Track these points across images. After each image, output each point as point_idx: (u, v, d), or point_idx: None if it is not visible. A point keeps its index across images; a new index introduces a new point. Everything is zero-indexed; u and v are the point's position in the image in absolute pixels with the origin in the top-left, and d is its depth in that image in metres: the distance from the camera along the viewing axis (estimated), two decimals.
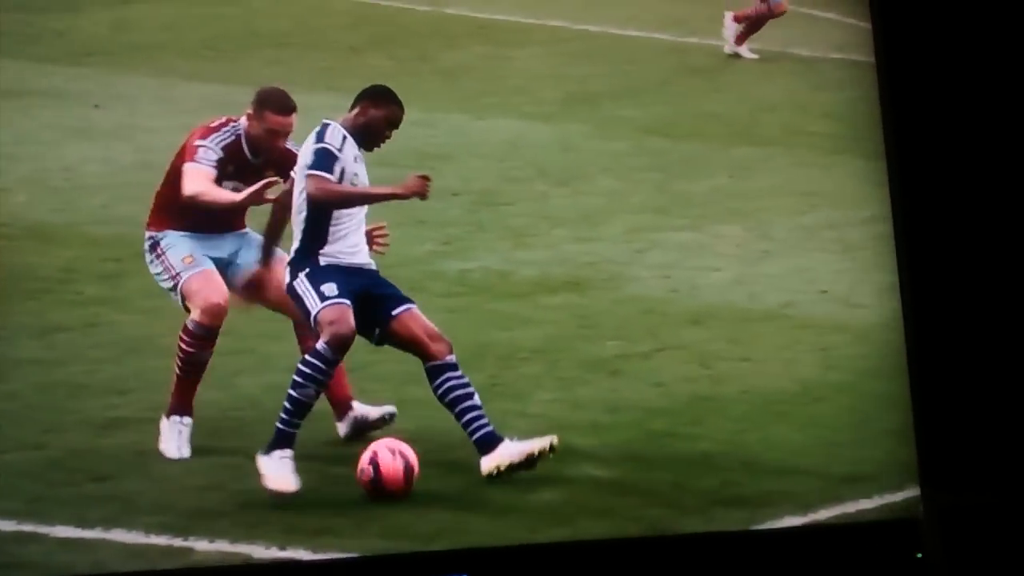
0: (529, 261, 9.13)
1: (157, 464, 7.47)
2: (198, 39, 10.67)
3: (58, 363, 8.19)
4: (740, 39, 11.67)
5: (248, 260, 7.57)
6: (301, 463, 7.33)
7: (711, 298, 8.99)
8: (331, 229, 7.23)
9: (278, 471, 7.16)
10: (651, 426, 7.85)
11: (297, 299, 7.25)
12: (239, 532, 7.06)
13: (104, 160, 10.09)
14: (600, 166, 10.19)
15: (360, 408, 7.66)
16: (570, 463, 7.43)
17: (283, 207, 7.37)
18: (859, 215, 9.94)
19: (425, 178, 7.18)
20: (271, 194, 7.40)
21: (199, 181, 7.38)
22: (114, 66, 10.27)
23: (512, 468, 7.27)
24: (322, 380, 7.18)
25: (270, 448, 7.17)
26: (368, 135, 7.28)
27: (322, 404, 7.65)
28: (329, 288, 7.17)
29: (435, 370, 7.29)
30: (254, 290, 7.53)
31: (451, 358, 7.30)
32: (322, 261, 7.24)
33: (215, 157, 7.43)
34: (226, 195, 7.41)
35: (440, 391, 7.30)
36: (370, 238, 7.40)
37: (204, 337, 7.41)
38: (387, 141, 7.30)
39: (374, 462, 7.24)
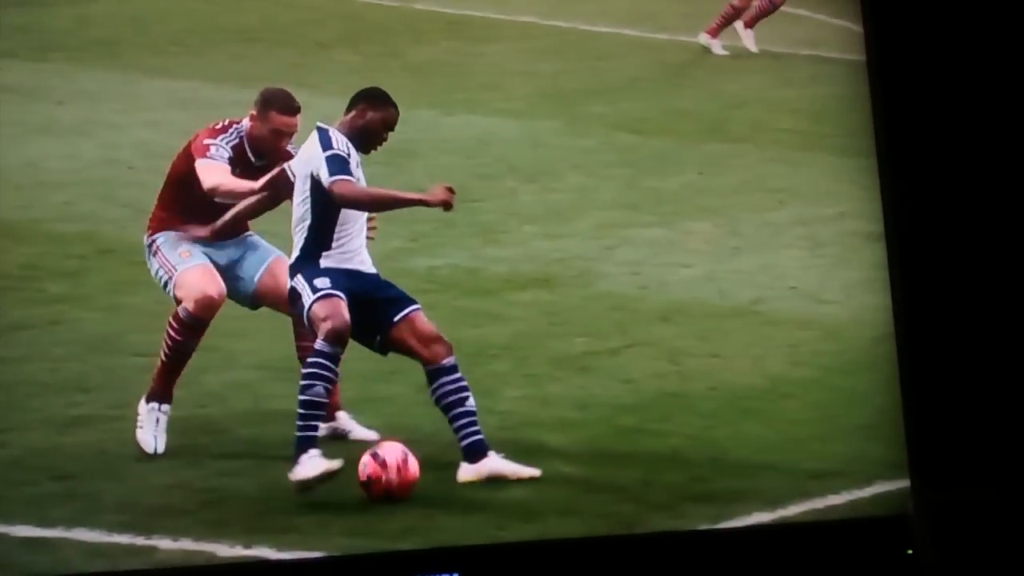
0: (498, 258, 9.11)
1: (120, 462, 7.41)
2: (163, 34, 10.63)
3: (20, 361, 8.13)
4: (714, 31, 11.65)
5: (252, 268, 7.55)
6: (263, 461, 7.34)
7: (680, 294, 8.98)
8: (334, 235, 7.22)
9: (316, 467, 7.10)
10: (620, 422, 7.83)
11: (296, 299, 7.22)
12: (203, 531, 7.02)
13: (67, 156, 10.02)
14: (570, 162, 10.17)
15: (345, 421, 7.65)
16: (539, 460, 7.40)
17: (273, 196, 7.34)
18: (828, 212, 9.95)
19: (451, 190, 7.17)
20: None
21: (217, 173, 7.37)
22: (77, 62, 10.23)
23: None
24: (329, 376, 7.13)
25: (297, 457, 7.10)
26: (366, 138, 7.26)
27: (287, 404, 7.64)
28: (321, 281, 7.14)
29: (430, 374, 7.27)
30: (265, 298, 7.54)
31: (448, 361, 7.26)
32: (323, 264, 7.22)
33: (226, 155, 7.42)
34: (245, 184, 7.39)
35: (434, 395, 7.29)
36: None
37: (192, 328, 7.38)
38: (383, 144, 7.28)
39: (396, 465, 7.20)
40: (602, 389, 8.09)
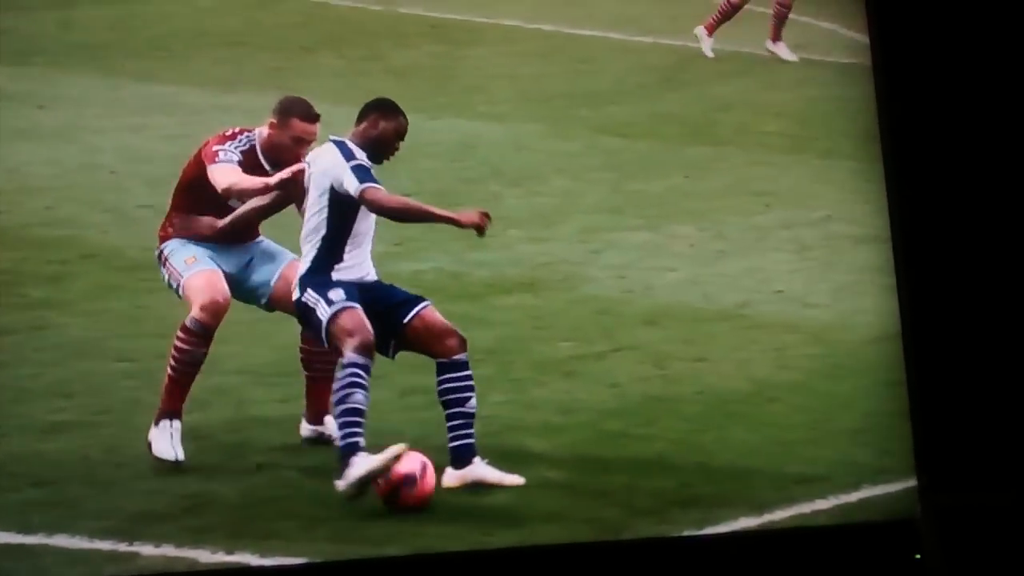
0: (482, 262, 9.08)
1: (102, 468, 7.37)
2: (145, 39, 10.61)
3: (1, 366, 8.07)
4: (774, 35, 11.59)
5: (266, 273, 7.50)
6: (246, 467, 7.30)
7: (666, 298, 8.96)
8: (346, 248, 7.19)
9: (368, 463, 7.03)
10: (605, 427, 7.80)
11: (307, 312, 7.16)
12: (185, 537, 6.97)
13: (49, 161, 9.99)
14: (554, 166, 10.15)
15: (332, 428, 7.52)
16: (523, 465, 7.37)
17: (285, 196, 7.30)
18: (814, 215, 9.95)
19: (486, 215, 7.17)
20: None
21: (229, 174, 7.34)
22: (59, 66, 10.20)
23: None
24: (366, 384, 7.07)
25: (344, 466, 7.03)
26: (380, 148, 7.24)
27: (269, 410, 7.62)
28: (335, 293, 7.11)
29: (440, 367, 7.23)
30: (280, 302, 7.47)
31: (460, 356, 7.21)
32: (334, 276, 7.18)
33: (236, 158, 7.38)
34: (259, 180, 7.35)
35: (439, 388, 7.25)
36: None
37: (201, 335, 7.31)
38: (395, 154, 7.27)
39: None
40: (587, 393, 8.06)
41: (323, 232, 7.17)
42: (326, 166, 7.18)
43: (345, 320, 7.07)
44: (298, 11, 11.57)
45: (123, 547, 6.91)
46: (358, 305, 7.11)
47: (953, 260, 7.97)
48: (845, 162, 10.32)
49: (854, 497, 7.57)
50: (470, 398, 7.24)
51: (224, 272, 7.47)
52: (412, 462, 7.09)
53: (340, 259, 7.18)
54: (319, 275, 7.16)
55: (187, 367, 7.33)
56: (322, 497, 7.26)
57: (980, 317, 7.90)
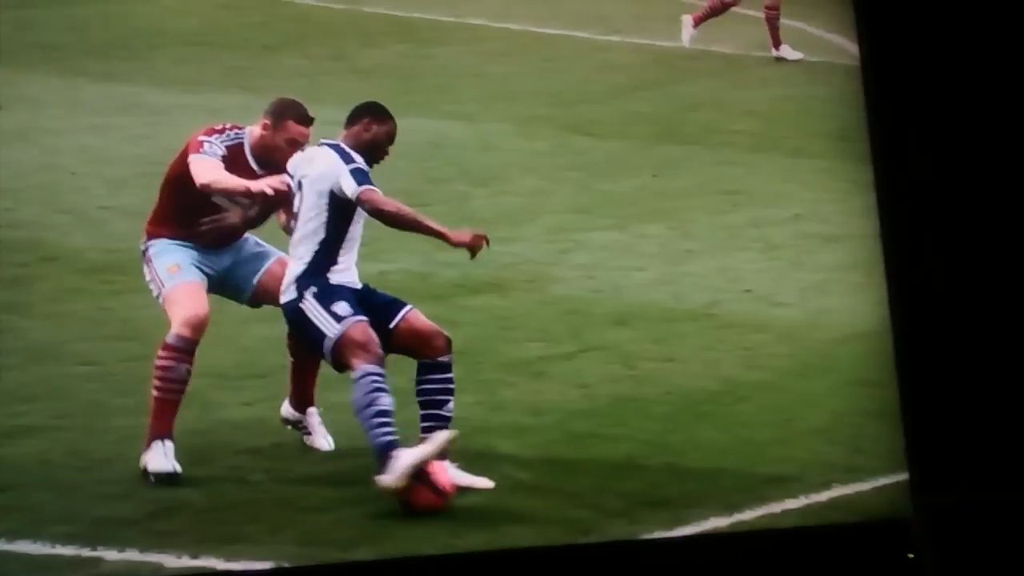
0: (450, 262, 8.99)
1: (64, 473, 7.27)
2: (105, 39, 10.53)
3: None
4: (774, 42, 11.55)
5: (249, 272, 7.42)
6: (211, 470, 7.24)
7: (635, 298, 8.92)
8: (341, 250, 7.15)
9: (416, 454, 6.99)
10: (574, 428, 7.75)
11: (303, 322, 7.08)
12: (150, 541, 6.89)
13: (8, 163, 9.84)
14: (522, 166, 10.11)
15: (312, 421, 7.54)
16: (492, 466, 7.33)
17: (271, 206, 7.26)
18: (783, 214, 9.93)
19: (483, 237, 7.11)
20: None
21: (210, 170, 7.25)
22: (18, 66, 10.09)
23: None
24: (388, 388, 7.02)
25: (384, 464, 6.98)
26: (373, 152, 7.21)
27: (234, 413, 7.55)
28: (341, 307, 7.06)
29: (423, 366, 7.20)
30: (264, 297, 7.42)
31: (445, 358, 7.19)
32: (332, 280, 7.13)
33: (220, 152, 7.30)
34: (239, 182, 7.27)
35: (418, 387, 7.21)
36: None
37: (184, 350, 7.20)
38: (385, 158, 7.23)
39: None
40: (556, 394, 8.01)
41: (322, 236, 7.12)
42: (324, 170, 7.13)
43: (356, 334, 7.03)
44: (261, 10, 11.50)
45: (86, 552, 6.82)
46: (364, 317, 7.08)
47: (942, 257, 7.96)
48: (814, 161, 10.32)
49: (824, 496, 7.56)
50: (448, 401, 7.21)
51: (209, 274, 7.37)
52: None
53: (335, 262, 7.13)
54: (316, 277, 7.10)
55: (173, 384, 7.22)
56: (288, 500, 7.21)
57: (970, 314, 7.89)
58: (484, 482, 7.29)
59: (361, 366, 7.00)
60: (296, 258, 7.17)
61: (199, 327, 7.24)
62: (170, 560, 6.85)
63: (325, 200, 7.13)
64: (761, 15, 11.74)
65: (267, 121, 7.37)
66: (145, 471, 7.23)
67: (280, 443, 7.54)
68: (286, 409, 7.60)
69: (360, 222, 7.19)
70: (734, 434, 7.85)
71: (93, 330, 8.10)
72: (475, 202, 9.69)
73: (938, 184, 8.01)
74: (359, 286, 7.25)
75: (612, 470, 7.51)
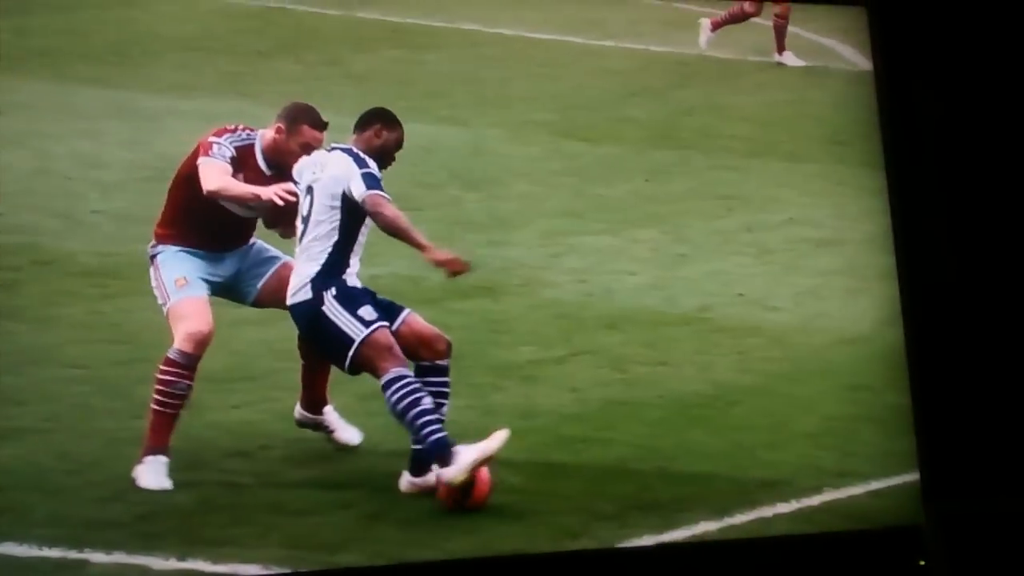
0: None
1: (52, 475, 7.28)
2: (101, 44, 10.54)
3: None
4: (779, 47, 11.56)
5: (255, 276, 7.43)
6: (199, 473, 7.24)
7: (627, 302, 8.92)
8: (352, 254, 7.20)
9: (480, 449, 7.07)
10: (565, 432, 7.76)
11: (322, 323, 7.11)
12: (137, 544, 6.91)
13: (2, 167, 9.86)
14: (515, 170, 10.09)
15: (332, 420, 7.56)
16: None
17: (286, 213, 7.29)
18: (776, 218, 9.92)
19: (465, 264, 7.16)
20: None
21: (218, 176, 7.27)
22: (14, 72, 10.10)
23: None
24: (421, 387, 7.09)
25: (445, 460, 7.04)
26: (383, 157, 7.29)
27: (223, 416, 7.56)
28: (367, 311, 7.13)
29: (421, 369, 7.24)
30: (267, 300, 7.43)
31: (443, 362, 7.24)
32: (348, 281, 7.18)
33: (228, 154, 7.32)
34: (248, 189, 7.29)
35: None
36: None
37: (185, 366, 7.21)
38: (392, 164, 7.32)
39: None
40: (547, 398, 8.01)
41: (335, 238, 7.17)
42: (337, 173, 7.19)
43: (382, 338, 7.11)
44: (254, 16, 11.48)
45: (73, 554, 6.84)
46: (387, 321, 7.15)
47: (955, 265, 7.96)
48: (809, 165, 10.30)
49: (816, 500, 7.56)
50: (443, 404, 7.24)
51: (216, 281, 7.38)
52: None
53: (348, 264, 7.18)
54: (333, 279, 7.14)
55: (173, 399, 7.22)
56: (276, 503, 7.22)
57: (982, 321, 7.90)
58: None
59: (392, 369, 7.07)
60: (308, 259, 7.19)
61: (202, 343, 7.24)
62: (157, 563, 6.86)
63: (338, 203, 7.18)
64: (767, 22, 11.73)
65: (281, 125, 7.38)
66: (133, 480, 7.23)
67: (268, 446, 7.55)
68: (300, 413, 7.61)
69: (369, 226, 7.24)
70: (726, 438, 7.86)
71: (84, 334, 8.10)
72: (468, 206, 9.68)
73: (951, 190, 8.01)
74: (361, 285, 7.30)
75: (603, 474, 7.52)
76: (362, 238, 7.26)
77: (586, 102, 10.78)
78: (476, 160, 10.04)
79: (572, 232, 9.55)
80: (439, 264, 7.13)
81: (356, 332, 7.11)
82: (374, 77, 10.34)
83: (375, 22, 11.40)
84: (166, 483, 7.23)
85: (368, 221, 7.22)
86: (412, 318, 7.28)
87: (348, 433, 7.59)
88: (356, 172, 7.17)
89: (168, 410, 7.23)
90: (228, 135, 7.38)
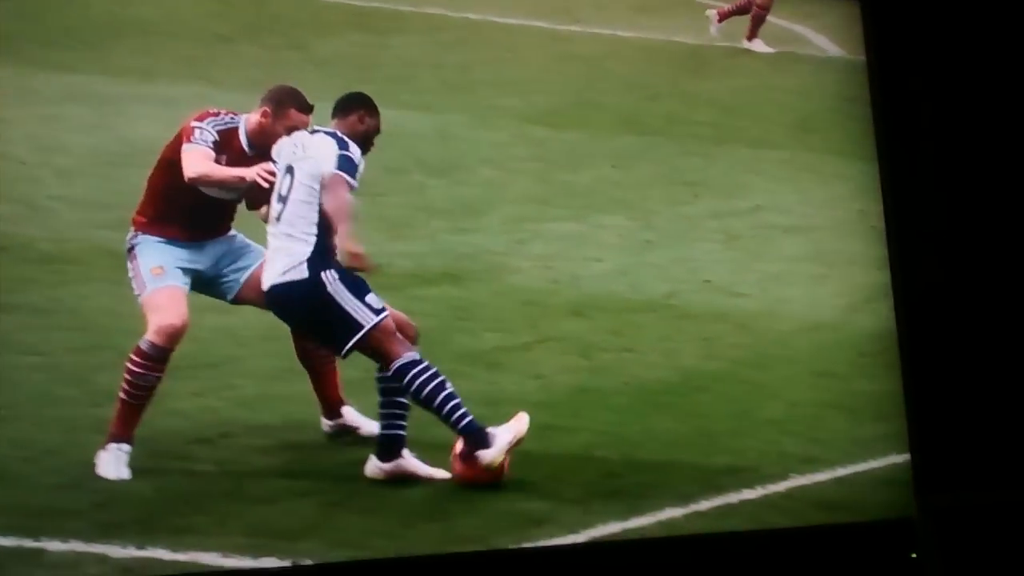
0: (405, 253, 8.97)
1: (6, 463, 7.19)
2: (58, 27, 10.45)
3: None
4: (750, 34, 11.52)
5: (235, 272, 7.35)
6: (159, 460, 7.17)
7: (593, 289, 8.88)
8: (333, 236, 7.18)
9: (512, 430, 7.17)
10: (530, 418, 7.59)
11: (324, 304, 7.06)
12: (94, 532, 6.84)
13: None
14: (479, 156, 10.03)
15: (352, 418, 7.51)
16: (447, 457, 7.25)
17: (266, 197, 7.25)
18: (743, 204, 9.89)
19: (369, 268, 7.12)
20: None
21: (200, 162, 7.20)
22: None
23: None
24: (439, 371, 7.15)
25: (483, 439, 7.12)
26: (365, 144, 7.27)
27: (183, 403, 7.49)
28: (373, 299, 7.13)
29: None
30: (247, 299, 7.36)
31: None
32: (341, 263, 7.15)
33: (211, 138, 7.25)
34: (231, 172, 7.23)
35: (378, 376, 7.22)
36: None
37: (155, 358, 7.13)
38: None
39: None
40: (512, 385, 7.96)
41: (318, 220, 7.10)
42: (321, 155, 7.15)
43: (390, 325, 7.13)
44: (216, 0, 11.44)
45: (28, 543, 6.76)
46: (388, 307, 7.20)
47: (949, 256, 7.95)
48: (775, 152, 10.27)
49: (782, 487, 7.54)
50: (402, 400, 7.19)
51: (195, 271, 7.30)
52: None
53: (334, 247, 7.14)
54: (329, 262, 7.10)
55: (141, 391, 7.15)
56: (237, 491, 7.17)
57: (976, 315, 7.90)
58: (439, 472, 7.28)
59: (405, 353, 7.12)
60: (293, 239, 7.11)
61: (173, 336, 7.16)
62: (116, 551, 6.79)
63: (318, 185, 7.13)
64: (714, 2, 11.69)
65: (267, 109, 7.32)
66: (94, 465, 7.17)
67: (229, 433, 7.49)
68: (326, 425, 7.54)
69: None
70: (691, 425, 7.82)
71: (42, 320, 8.01)
72: (432, 192, 9.61)
73: (945, 183, 8.01)
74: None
75: (568, 461, 7.47)
76: None
77: (552, 88, 10.73)
78: (441, 146, 9.98)
79: (537, 218, 9.49)
80: (347, 254, 7.08)
81: (366, 318, 7.10)
82: (337, 61, 10.27)
83: (338, 6, 11.33)
84: (124, 473, 7.16)
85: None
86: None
87: (372, 426, 7.50)
88: (335, 153, 7.13)
89: (135, 401, 7.17)
90: (210, 119, 7.32)
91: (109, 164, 9.02)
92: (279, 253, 7.14)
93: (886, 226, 8.11)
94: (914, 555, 7.46)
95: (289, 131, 7.32)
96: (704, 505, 7.34)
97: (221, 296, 7.42)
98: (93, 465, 7.15)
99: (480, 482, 7.18)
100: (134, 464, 7.19)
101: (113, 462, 7.16)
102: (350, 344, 7.09)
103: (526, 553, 7.02)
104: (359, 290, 7.13)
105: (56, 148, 9.40)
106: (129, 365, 7.16)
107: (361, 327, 7.08)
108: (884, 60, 8.13)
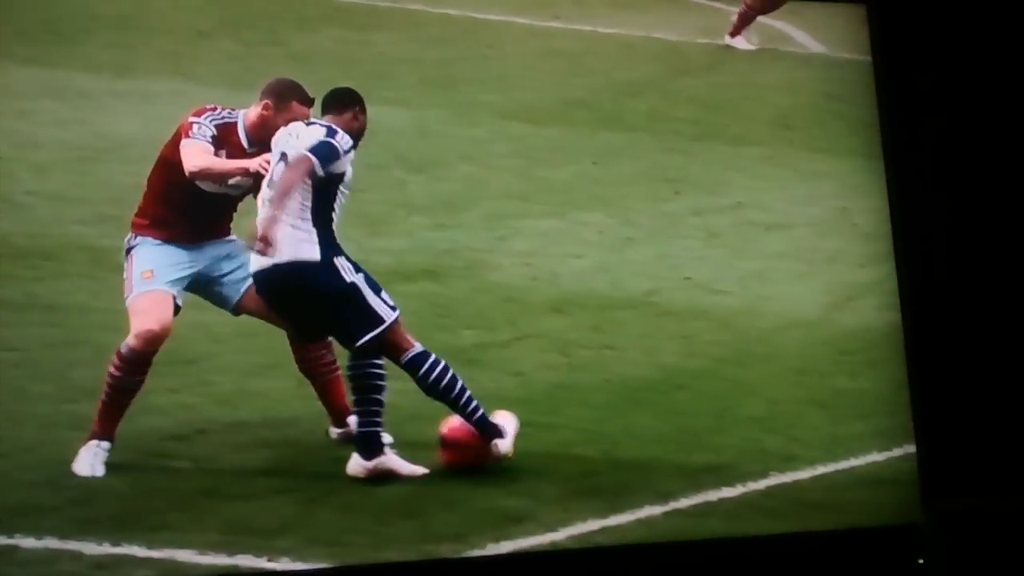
0: (384, 249, 8.93)
1: None
2: (34, 21, 10.39)
3: None
4: (734, 31, 11.49)
5: (239, 280, 7.30)
6: (136, 457, 7.12)
7: (573, 286, 8.85)
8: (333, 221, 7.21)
9: (512, 424, 7.29)
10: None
11: (354, 297, 7.09)
12: (69, 528, 6.80)
13: None
14: (459, 152, 9.98)
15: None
16: (425, 454, 7.24)
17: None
18: (725, 202, 9.87)
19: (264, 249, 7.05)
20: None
21: (200, 156, 7.17)
22: None
23: None
24: (448, 364, 7.30)
25: (496, 433, 7.24)
26: (358, 139, 7.25)
27: (159, 399, 7.45)
28: (386, 295, 7.22)
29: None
30: (247, 309, 7.33)
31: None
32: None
33: (209, 133, 7.22)
34: (232, 164, 7.21)
35: (352, 375, 7.23)
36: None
37: (134, 363, 7.09)
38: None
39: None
40: (490, 382, 7.91)
41: (311, 206, 7.08)
42: (308, 142, 7.12)
43: (400, 321, 7.21)
44: None
45: (2, 540, 6.71)
46: None
47: (955, 262, 7.94)
48: (756, 149, 10.25)
49: (762, 484, 7.52)
50: (386, 386, 7.19)
51: (191, 274, 7.25)
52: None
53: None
54: (339, 249, 7.13)
55: (119, 393, 7.13)
56: (213, 488, 7.13)
57: (983, 320, 7.89)
58: (420, 469, 7.25)
59: (417, 345, 7.20)
60: (294, 216, 7.06)
61: (151, 341, 7.12)
62: (91, 548, 6.75)
63: (309, 178, 7.09)
64: (732, 8, 11.67)
65: (268, 102, 7.30)
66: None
67: (206, 430, 7.45)
68: (334, 433, 7.50)
69: (342, 198, 7.19)
70: (671, 422, 7.81)
71: (17, 316, 7.96)
72: (412, 188, 9.57)
73: (951, 186, 8.00)
74: None
75: (547, 458, 7.44)
76: (337, 207, 7.18)
77: (532, 84, 10.68)
78: (420, 142, 9.93)
79: (517, 215, 9.46)
80: (254, 235, 7.03)
81: (386, 314, 7.17)
82: (316, 57, 10.21)
83: (317, 1, 11.29)
84: (99, 470, 7.12)
85: (342, 191, 7.16)
86: None
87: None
88: (319, 138, 7.10)
89: (114, 403, 7.14)
90: (208, 114, 7.30)
91: (86, 159, 8.95)
92: (282, 227, 7.04)
93: (892, 227, 8.11)
94: (921, 560, 7.44)
95: (289, 124, 7.28)
96: (684, 503, 7.33)
97: (222, 304, 7.38)
98: (69, 462, 7.10)
99: (467, 465, 7.24)
100: (110, 460, 7.14)
101: (89, 459, 7.12)
102: (368, 337, 7.09)
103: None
104: (375, 285, 7.19)
105: (32, 143, 9.34)
106: (110, 367, 7.14)
107: (383, 321, 7.13)
108: (889, 61, 8.12)
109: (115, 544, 6.78)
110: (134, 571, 6.72)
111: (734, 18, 11.46)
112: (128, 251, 7.29)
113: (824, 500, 7.49)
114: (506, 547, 7.02)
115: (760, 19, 11.60)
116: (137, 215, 7.32)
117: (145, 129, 7.42)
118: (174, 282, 7.25)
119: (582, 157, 10.12)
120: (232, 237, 7.42)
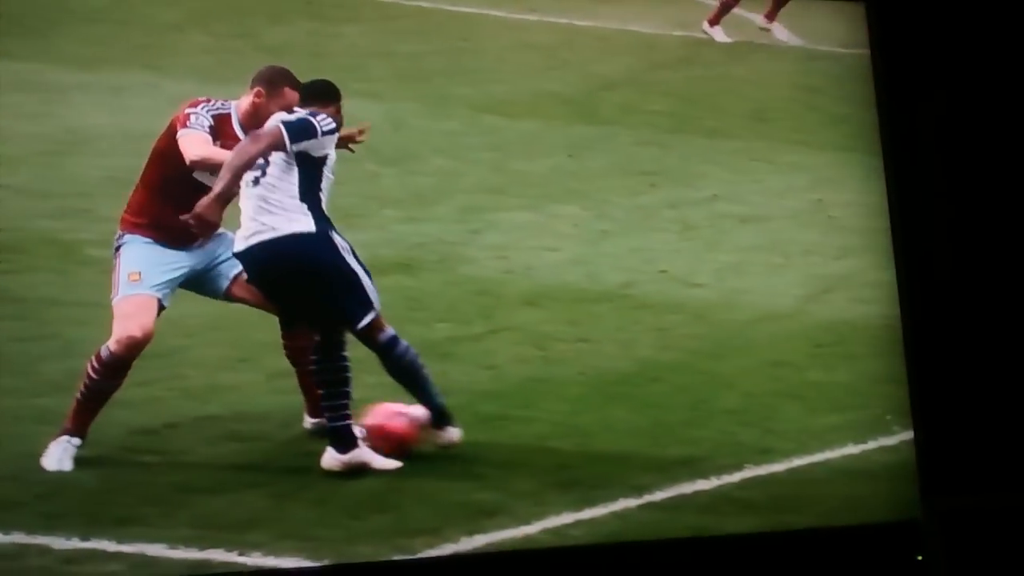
0: (357, 242, 8.73)
1: None
2: (5, 15, 10.35)
3: None
4: (714, 19, 11.46)
5: (230, 266, 7.23)
6: (104, 451, 7.08)
7: (547, 279, 8.81)
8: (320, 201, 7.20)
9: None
10: (481, 409, 7.63)
11: (342, 270, 7.09)
12: (37, 523, 6.75)
13: None
14: (433, 145, 9.95)
15: None
16: None
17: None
18: (700, 194, 9.85)
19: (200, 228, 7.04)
20: None
21: (201, 145, 7.12)
22: None
23: None
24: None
25: (448, 421, 7.25)
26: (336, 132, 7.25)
27: (129, 393, 7.38)
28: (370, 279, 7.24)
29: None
30: (237, 296, 7.28)
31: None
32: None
33: (207, 123, 7.17)
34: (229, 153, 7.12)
35: (316, 364, 7.22)
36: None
37: (113, 367, 7.03)
38: None
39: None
40: (464, 375, 7.89)
41: (298, 188, 7.06)
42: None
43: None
44: None
45: None
46: None
47: (955, 259, 7.93)
48: (731, 142, 10.23)
49: (737, 477, 7.49)
50: (350, 379, 7.14)
51: (182, 273, 7.20)
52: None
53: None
54: (332, 226, 7.12)
55: (94, 395, 7.09)
56: (183, 482, 7.08)
57: (983, 317, 7.88)
58: (393, 463, 7.22)
59: (390, 329, 7.18)
60: (284, 193, 7.05)
61: (132, 347, 7.06)
62: (59, 542, 6.70)
63: (293, 160, 7.06)
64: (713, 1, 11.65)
65: (260, 89, 7.26)
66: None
67: (175, 424, 7.41)
68: (309, 423, 7.45)
69: (327, 181, 7.16)
70: (646, 415, 7.77)
71: None
72: (385, 181, 9.53)
73: (951, 183, 7.99)
74: None
75: (521, 452, 7.41)
76: (324, 190, 7.15)
77: (507, 76, 10.65)
78: (393, 135, 9.89)
79: (492, 208, 9.42)
80: (200, 213, 7.00)
81: (375, 298, 7.19)
82: (288, 50, 10.16)
83: None
84: (66, 465, 7.07)
85: (325, 179, 7.13)
86: None
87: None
88: (297, 115, 7.09)
89: (88, 404, 7.09)
90: (204, 105, 7.24)
91: (54, 153, 8.90)
92: (273, 204, 7.05)
93: (891, 223, 8.08)
94: (920, 557, 7.43)
95: (284, 110, 7.22)
96: (659, 496, 7.29)
97: (213, 292, 7.32)
98: (37, 456, 7.05)
99: (408, 445, 7.25)
100: (78, 454, 7.09)
101: (58, 454, 7.07)
102: (368, 320, 7.10)
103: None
104: (367, 270, 7.20)
105: (2, 138, 9.31)
106: (87, 369, 7.09)
107: (374, 304, 7.14)
108: (888, 57, 8.10)
109: (84, 539, 6.73)
110: (104, 566, 6.67)
111: (716, 1, 11.46)
112: (117, 249, 7.22)
113: (799, 493, 7.47)
114: (480, 540, 6.98)
115: (736, 11, 11.58)
116: (128, 212, 7.25)
117: (114, 123, 7.37)
118: (161, 285, 7.18)
119: (557, 150, 10.09)
120: (222, 232, 7.33)
